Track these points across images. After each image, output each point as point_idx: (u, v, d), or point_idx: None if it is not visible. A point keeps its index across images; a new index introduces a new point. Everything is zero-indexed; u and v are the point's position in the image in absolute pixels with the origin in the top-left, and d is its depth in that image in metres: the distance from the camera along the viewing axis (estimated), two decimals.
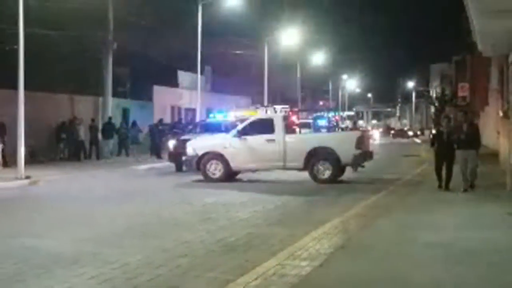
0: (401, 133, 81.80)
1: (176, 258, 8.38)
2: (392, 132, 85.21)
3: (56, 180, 20.24)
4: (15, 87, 19.66)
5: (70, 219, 12.21)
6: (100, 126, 30.73)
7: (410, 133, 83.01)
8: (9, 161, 22.62)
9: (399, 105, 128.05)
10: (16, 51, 19.52)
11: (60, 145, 28.63)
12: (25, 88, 19.68)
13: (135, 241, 9.66)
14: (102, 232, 10.41)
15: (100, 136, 30.23)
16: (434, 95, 79.82)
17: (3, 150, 23.31)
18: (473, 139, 14.86)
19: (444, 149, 15.08)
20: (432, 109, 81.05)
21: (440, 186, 15.22)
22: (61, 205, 14.33)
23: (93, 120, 30.42)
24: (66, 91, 30.02)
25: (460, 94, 47.07)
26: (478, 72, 44.69)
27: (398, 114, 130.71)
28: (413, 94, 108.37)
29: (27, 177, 19.14)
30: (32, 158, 24.32)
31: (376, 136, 68.94)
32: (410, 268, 7.42)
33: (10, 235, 10.19)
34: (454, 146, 14.94)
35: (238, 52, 48.44)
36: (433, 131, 16.15)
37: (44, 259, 8.34)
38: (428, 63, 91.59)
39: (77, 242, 9.56)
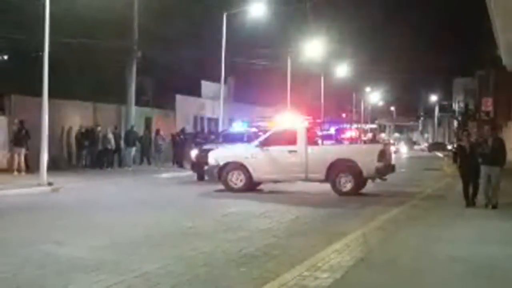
0: (436, 147, 78.74)
1: (196, 267, 8.36)
2: (426, 145, 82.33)
3: (78, 187, 20.37)
4: (39, 94, 19.86)
5: (90, 226, 12.26)
6: (122, 134, 30.91)
7: (449, 147, 73.92)
8: (32, 167, 22.83)
9: (422, 119, 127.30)
10: (41, 59, 19.72)
11: (82, 153, 28.83)
12: (49, 95, 19.86)
13: (155, 250, 9.66)
14: (122, 240, 10.43)
15: (122, 144, 30.39)
16: (457, 109, 79.22)
17: (26, 156, 23.55)
18: (498, 155, 14.44)
19: (468, 165, 14.81)
20: (455, 124, 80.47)
21: (468, 205, 14.69)
22: (82, 212, 14.41)
23: (115, 127, 30.61)
24: (90, 99, 30.26)
25: (484, 108, 46.73)
26: (501, 87, 44.36)
27: (420, 128, 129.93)
28: (436, 108, 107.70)
29: (49, 184, 19.28)
30: (55, 165, 24.49)
31: (402, 149, 68.38)
32: (430, 282, 7.33)
33: (31, 241, 10.23)
34: (479, 160, 14.60)
35: (261, 63, 48.50)
36: (455, 147, 15.88)
37: (64, 265, 8.37)
38: (452, 77, 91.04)
39: (97, 249, 9.58)
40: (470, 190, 14.87)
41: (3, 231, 11.49)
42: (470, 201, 14.79)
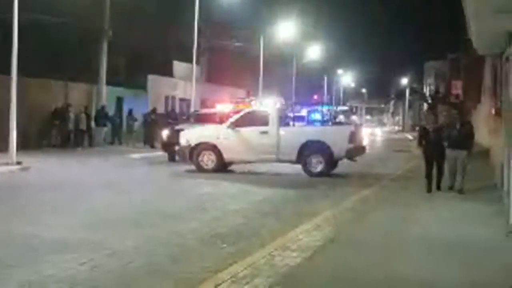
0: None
1: (169, 246, 8.43)
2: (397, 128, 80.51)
3: (48, 167, 20.20)
4: (8, 73, 19.60)
5: (61, 206, 12.22)
6: (93, 114, 30.66)
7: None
8: (1, 146, 22.55)
9: (393, 101, 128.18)
10: (9, 36, 19.43)
11: (52, 132, 28.56)
12: (19, 74, 19.62)
13: (128, 229, 9.69)
14: (95, 220, 10.43)
15: (93, 124, 30.17)
16: (428, 93, 79.87)
17: None
18: (465, 139, 14.33)
19: (432, 148, 14.42)
20: (425, 106, 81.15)
21: (429, 191, 14.28)
22: (52, 192, 14.32)
23: (85, 107, 30.32)
24: (61, 78, 29.92)
25: (454, 91, 47.17)
26: (472, 70, 44.79)
27: (391, 110, 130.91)
28: (407, 91, 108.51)
29: (18, 163, 19.10)
30: (24, 145, 24.23)
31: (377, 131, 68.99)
32: (398, 261, 7.49)
33: (0, 221, 10.18)
34: (444, 144, 14.50)
35: (234, 44, 48.38)
36: (419, 129, 15.52)
37: (35, 245, 8.36)
38: (423, 61, 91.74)
39: (69, 229, 9.58)
40: (434, 173, 14.71)
41: None
42: (432, 188, 14.36)
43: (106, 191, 14.62)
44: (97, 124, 30.21)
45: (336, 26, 73.52)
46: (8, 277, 6.73)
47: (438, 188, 14.51)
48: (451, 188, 14.46)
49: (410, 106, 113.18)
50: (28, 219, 10.37)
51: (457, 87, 46.54)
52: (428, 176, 14.53)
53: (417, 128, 16.56)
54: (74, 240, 8.65)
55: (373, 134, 61.65)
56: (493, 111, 20.98)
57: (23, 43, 19.59)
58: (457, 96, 46.24)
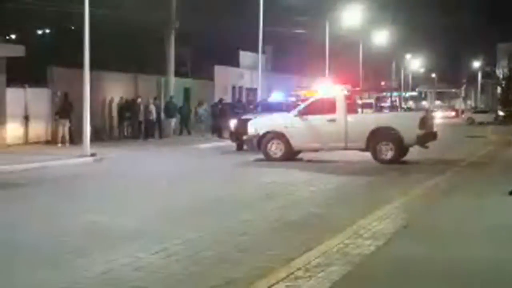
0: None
1: (238, 235, 8.43)
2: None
3: (120, 158, 20.63)
4: (80, 66, 20.07)
5: (133, 195, 12.45)
6: (162, 105, 31.13)
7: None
8: (75, 138, 23.19)
9: (464, 85, 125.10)
10: (81, 31, 19.89)
11: (123, 124, 29.17)
12: (90, 67, 20.07)
13: (197, 218, 9.76)
14: (164, 209, 10.57)
15: (162, 115, 30.63)
16: (501, 76, 77.56)
17: (69, 128, 23.91)
18: None
19: None
20: (499, 90, 78.88)
21: None
22: (124, 182, 14.62)
23: (155, 99, 30.80)
24: (130, 70, 30.48)
25: None
26: None
27: (463, 95, 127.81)
28: (479, 74, 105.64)
29: (92, 155, 19.56)
30: (97, 136, 24.85)
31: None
32: (471, 249, 7.28)
33: (76, 211, 10.43)
34: None
35: (299, 31, 48.11)
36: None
37: (109, 234, 8.53)
38: (495, 43, 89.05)
39: (140, 218, 9.73)
40: None
41: (48, 201, 11.74)
42: None
43: (176, 180, 14.80)
44: (166, 115, 30.66)
45: (404, 9, 71.94)
46: (86, 266, 6.86)
47: None
48: None
49: (482, 90, 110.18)
50: (102, 209, 10.58)
51: None
52: None
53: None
54: (146, 229, 8.78)
55: (443, 118, 60.36)
56: None
57: (93, 38, 20.00)
58: None
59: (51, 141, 24.50)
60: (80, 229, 8.87)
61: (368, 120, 19.55)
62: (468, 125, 54.47)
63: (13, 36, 34.32)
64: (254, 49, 36.09)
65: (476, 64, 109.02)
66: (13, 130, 23.63)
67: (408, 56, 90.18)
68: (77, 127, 22.16)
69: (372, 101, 41.14)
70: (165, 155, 22.06)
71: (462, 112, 78.05)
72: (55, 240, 8.14)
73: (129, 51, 30.91)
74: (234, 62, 42.54)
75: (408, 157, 19.08)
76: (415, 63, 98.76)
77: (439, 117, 58.75)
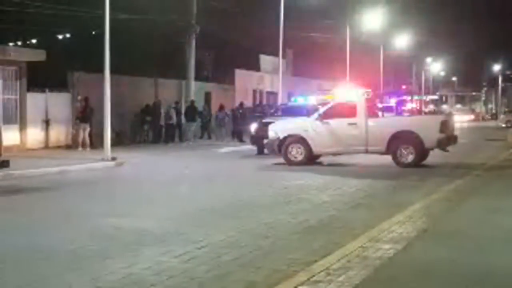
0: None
1: (258, 239, 8.46)
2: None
3: (141, 161, 20.77)
4: (101, 71, 20.24)
5: (154, 199, 12.53)
6: (183, 110, 31.25)
7: None
8: (95, 143, 23.38)
9: (485, 88, 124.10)
10: (102, 36, 20.05)
11: (144, 128, 29.34)
12: (111, 71, 20.22)
13: (218, 221, 9.80)
14: (185, 212, 10.62)
15: (183, 119, 30.75)
16: None
17: (90, 132, 24.11)
18: None
19: None
20: None
21: None
22: (146, 186, 14.72)
23: (177, 103, 30.94)
24: (151, 75, 30.67)
25: None
26: None
27: (483, 98, 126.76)
28: (499, 78, 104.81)
29: (113, 159, 19.69)
30: (118, 140, 25.02)
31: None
32: (492, 253, 7.24)
33: (98, 214, 10.52)
34: None
35: (320, 35, 48.06)
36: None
37: (131, 237, 8.58)
38: None
39: (162, 221, 9.79)
40: None
41: (69, 205, 11.86)
42: None
43: (196, 184, 14.87)
44: (187, 119, 30.78)
45: (424, 13, 71.56)
46: (107, 270, 6.91)
47: None
48: None
49: (503, 94, 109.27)
50: (123, 212, 10.67)
51: None
52: None
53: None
54: (167, 233, 8.83)
55: (464, 122, 59.88)
56: None
57: (113, 42, 20.16)
58: None
59: (72, 146, 24.71)
60: (102, 233, 8.94)
61: (389, 123, 19.51)
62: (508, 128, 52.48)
63: (33, 41, 34.68)
64: (275, 53, 36.14)
65: (497, 67, 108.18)
66: (34, 134, 23.89)
67: (428, 59, 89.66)
68: (97, 132, 22.34)
69: (393, 104, 41.07)
70: (185, 159, 22.15)
71: (483, 117, 77.14)
72: (77, 244, 8.22)
73: (150, 55, 31.08)
74: (255, 66, 42.61)
75: (428, 160, 19.00)
76: (436, 67, 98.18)
77: (458, 121, 58.04)
